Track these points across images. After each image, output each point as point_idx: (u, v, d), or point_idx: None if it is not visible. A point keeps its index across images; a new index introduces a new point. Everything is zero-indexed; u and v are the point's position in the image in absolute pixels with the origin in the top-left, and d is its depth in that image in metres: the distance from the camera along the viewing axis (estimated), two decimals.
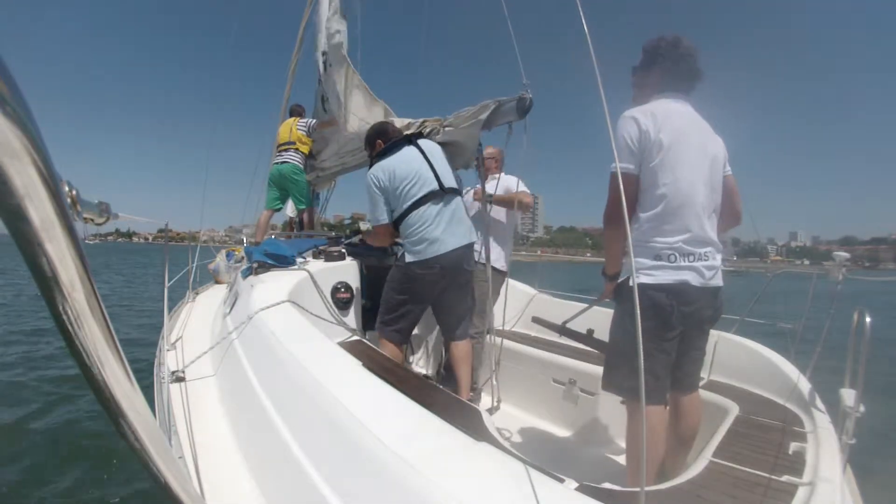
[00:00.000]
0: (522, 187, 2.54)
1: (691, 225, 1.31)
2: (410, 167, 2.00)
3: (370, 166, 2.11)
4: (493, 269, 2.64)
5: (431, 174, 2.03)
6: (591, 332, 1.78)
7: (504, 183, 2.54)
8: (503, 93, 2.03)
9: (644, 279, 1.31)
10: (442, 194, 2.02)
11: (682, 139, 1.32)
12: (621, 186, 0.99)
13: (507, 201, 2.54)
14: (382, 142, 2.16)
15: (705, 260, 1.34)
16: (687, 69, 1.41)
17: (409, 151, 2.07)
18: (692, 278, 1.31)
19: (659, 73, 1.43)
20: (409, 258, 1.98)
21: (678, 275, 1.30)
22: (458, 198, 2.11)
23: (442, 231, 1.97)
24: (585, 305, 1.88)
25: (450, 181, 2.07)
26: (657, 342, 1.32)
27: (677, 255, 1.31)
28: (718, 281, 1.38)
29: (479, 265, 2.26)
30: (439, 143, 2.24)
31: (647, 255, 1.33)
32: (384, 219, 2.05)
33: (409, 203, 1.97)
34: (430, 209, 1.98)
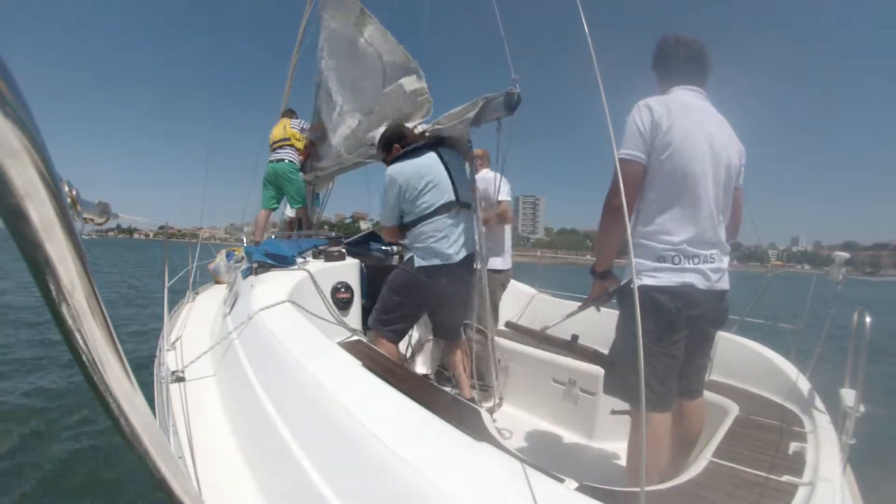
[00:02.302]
0: (505, 188, 2.54)
1: (697, 225, 1.26)
2: (431, 173, 2.00)
3: (388, 166, 2.09)
4: (499, 270, 2.64)
5: (450, 184, 2.02)
6: (575, 337, 1.70)
7: (483, 183, 2.54)
8: (499, 89, 1.96)
9: (647, 280, 1.26)
10: (457, 206, 2.01)
11: (696, 136, 1.26)
12: (620, 176, 0.94)
13: (489, 220, 2.57)
14: (400, 146, 2.15)
15: (711, 262, 1.28)
16: (692, 56, 1.38)
17: (431, 157, 2.05)
18: (697, 281, 1.26)
19: (671, 71, 1.41)
20: (418, 262, 1.98)
21: (682, 277, 1.25)
22: (471, 213, 2.09)
23: (451, 245, 1.98)
24: (570, 312, 1.77)
25: (466, 195, 2.06)
26: (662, 345, 1.27)
27: (681, 256, 1.25)
28: (725, 284, 1.33)
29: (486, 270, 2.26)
30: None
31: (649, 256, 1.28)
32: (394, 222, 2.08)
33: (426, 211, 1.97)
34: (445, 220, 1.98)
